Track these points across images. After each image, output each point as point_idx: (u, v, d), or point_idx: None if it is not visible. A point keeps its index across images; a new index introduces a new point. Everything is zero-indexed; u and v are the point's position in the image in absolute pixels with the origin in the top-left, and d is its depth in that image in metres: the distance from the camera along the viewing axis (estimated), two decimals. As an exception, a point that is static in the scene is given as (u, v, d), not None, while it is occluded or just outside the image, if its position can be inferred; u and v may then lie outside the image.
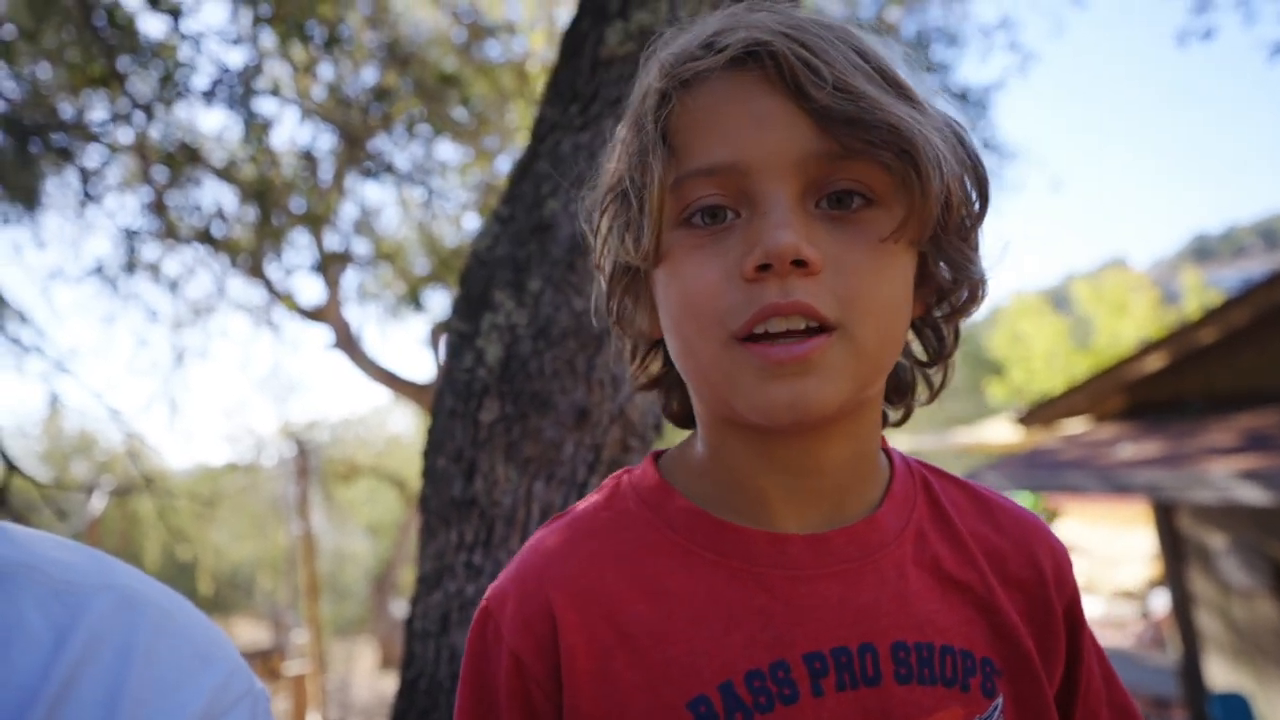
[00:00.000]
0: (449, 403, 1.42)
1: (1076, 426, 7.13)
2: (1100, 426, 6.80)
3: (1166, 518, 6.11)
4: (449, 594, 1.35)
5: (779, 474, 0.64)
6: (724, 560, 0.64)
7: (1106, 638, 9.68)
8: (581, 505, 0.72)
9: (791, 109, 0.57)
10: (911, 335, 0.73)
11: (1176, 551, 6.08)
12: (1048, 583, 0.69)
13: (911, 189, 0.57)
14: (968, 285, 0.67)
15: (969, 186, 0.63)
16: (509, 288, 1.42)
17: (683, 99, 0.60)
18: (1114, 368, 6.54)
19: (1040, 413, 7.34)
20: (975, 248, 0.66)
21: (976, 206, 0.65)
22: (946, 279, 0.66)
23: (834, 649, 0.61)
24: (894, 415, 0.76)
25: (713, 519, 0.65)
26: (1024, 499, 12.38)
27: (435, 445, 1.43)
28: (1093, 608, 10.54)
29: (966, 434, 11.74)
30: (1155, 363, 6.20)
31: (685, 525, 0.66)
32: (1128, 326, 17.75)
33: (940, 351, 0.72)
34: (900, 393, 0.75)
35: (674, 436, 0.80)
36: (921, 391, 0.75)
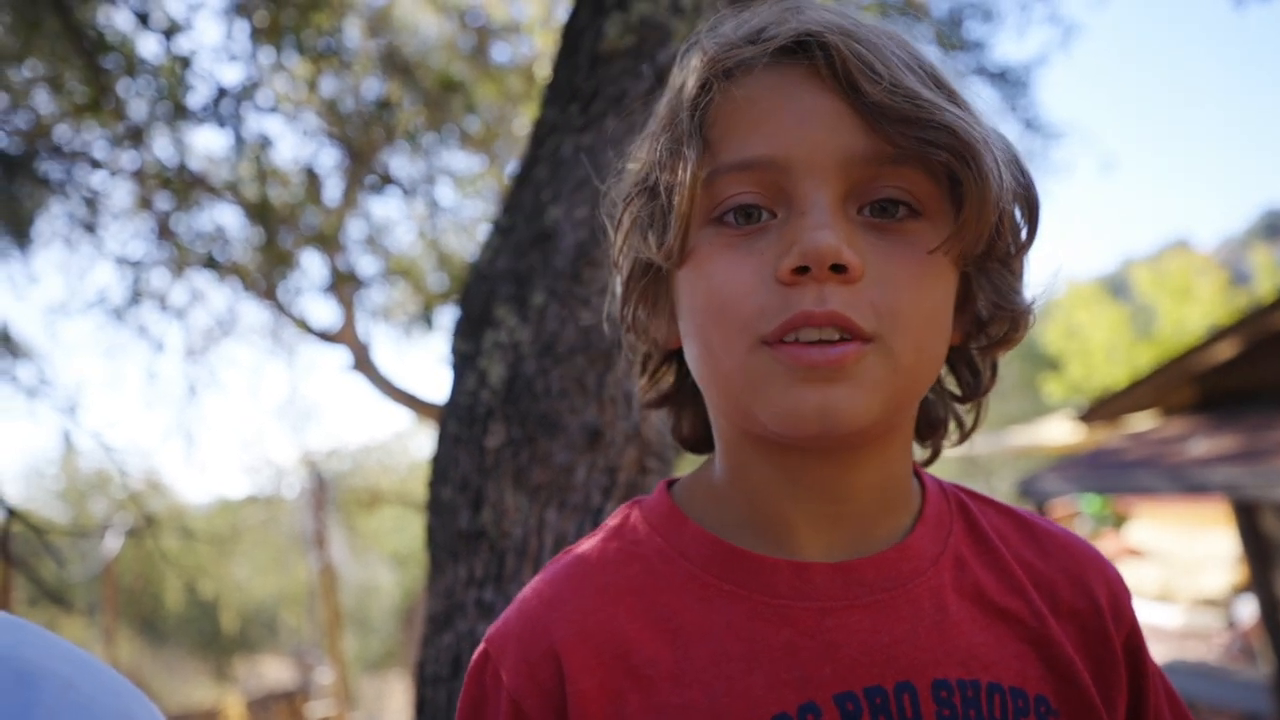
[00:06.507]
0: (452, 428, 1.40)
1: (1143, 423, 6.98)
2: (1169, 422, 6.65)
3: (1248, 518, 5.93)
4: (460, 634, 1.32)
5: (804, 499, 0.62)
6: (743, 592, 0.61)
7: (1188, 650, 9.41)
8: (589, 539, 0.70)
9: (840, 106, 0.57)
10: (945, 369, 0.71)
11: (1261, 554, 5.90)
12: (1104, 612, 0.66)
13: (967, 196, 0.56)
14: (1009, 315, 0.65)
15: (1020, 211, 0.62)
16: (511, 303, 1.39)
17: (724, 89, 0.60)
18: (1181, 358, 6.41)
19: (1102, 409, 7.20)
20: (1019, 276, 0.66)
21: (1024, 234, 0.63)
22: (987, 307, 0.65)
23: (867, 688, 0.58)
24: (922, 454, 0.74)
25: (731, 547, 0.63)
26: (1089, 502, 12.17)
27: (439, 475, 1.41)
28: (1171, 618, 10.26)
29: (1023, 434, 11.55)
30: (1226, 350, 6.05)
31: (701, 555, 0.64)
32: (1194, 312, 17.44)
33: (977, 387, 0.71)
34: (931, 428, 0.73)
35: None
36: (952, 431, 0.74)
